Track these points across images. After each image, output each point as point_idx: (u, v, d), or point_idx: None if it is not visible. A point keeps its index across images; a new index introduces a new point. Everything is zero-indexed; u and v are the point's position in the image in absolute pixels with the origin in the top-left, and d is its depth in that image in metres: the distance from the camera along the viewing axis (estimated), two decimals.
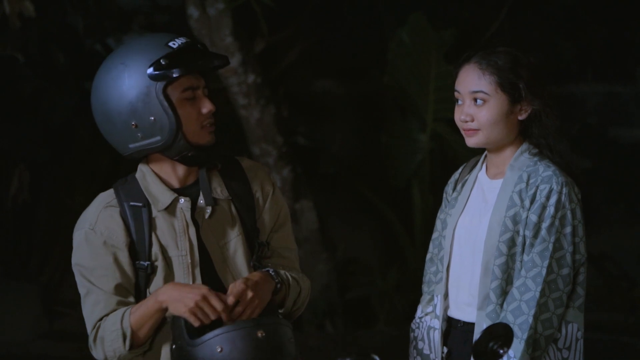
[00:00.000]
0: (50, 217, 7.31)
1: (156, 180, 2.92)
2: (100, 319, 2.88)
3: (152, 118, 2.84)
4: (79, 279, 2.92)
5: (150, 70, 2.82)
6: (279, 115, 6.76)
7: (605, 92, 8.15)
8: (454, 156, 6.85)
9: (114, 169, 7.18)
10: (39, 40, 6.82)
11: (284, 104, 7.06)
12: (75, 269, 2.92)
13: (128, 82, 2.84)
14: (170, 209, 2.91)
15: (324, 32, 7.49)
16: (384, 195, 7.33)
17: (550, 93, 3.08)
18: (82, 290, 2.92)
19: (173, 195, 2.91)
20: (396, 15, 7.05)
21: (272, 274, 2.90)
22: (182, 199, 2.91)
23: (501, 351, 2.69)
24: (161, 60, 2.82)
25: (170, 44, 2.85)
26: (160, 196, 2.91)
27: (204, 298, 2.75)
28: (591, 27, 7.78)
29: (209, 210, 2.92)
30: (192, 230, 2.90)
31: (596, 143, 7.94)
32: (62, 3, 6.93)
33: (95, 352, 2.90)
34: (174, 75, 2.82)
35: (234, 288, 2.79)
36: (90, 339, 2.90)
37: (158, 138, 2.86)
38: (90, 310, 2.90)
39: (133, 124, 2.85)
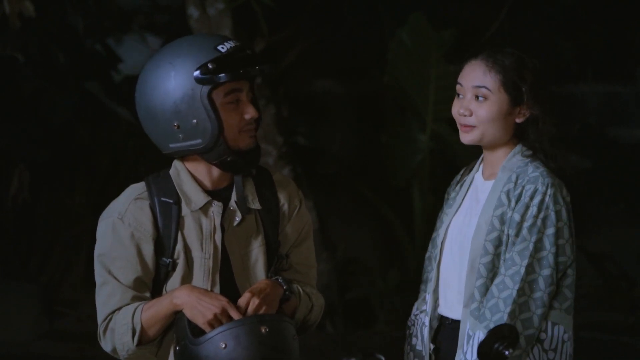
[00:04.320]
0: (50, 217, 7.31)
1: (190, 180, 2.92)
2: (113, 312, 2.87)
3: (195, 121, 2.83)
4: (97, 268, 2.91)
5: (197, 73, 2.81)
6: (279, 115, 6.76)
7: (605, 92, 8.15)
8: (453, 156, 6.85)
9: (114, 169, 7.18)
10: (39, 40, 6.82)
11: (284, 104, 7.06)
12: (96, 259, 2.91)
13: (174, 83, 2.82)
14: (202, 211, 2.90)
15: (324, 32, 7.48)
16: (384, 195, 7.33)
17: (550, 99, 3.09)
18: (98, 279, 2.91)
19: (207, 198, 2.90)
20: (396, 15, 7.04)
21: (281, 281, 2.90)
22: (215, 203, 2.90)
23: (507, 352, 2.69)
24: (209, 64, 2.81)
25: (219, 47, 2.83)
26: (193, 196, 2.90)
27: (223, 311, 2.76)
28: (591, 27, 7.78)
29: (238, 218, 2.91)
30: (218, 235, 2.89)
31: (596, 143, 7.94)
32: (62, 3, 6.93)
33: (104, 342, 2.90)
34: (221, 81, 2.81)
35: (241, 301, 2.80)
36: (100, 329, 2.89)
37: (199, 141, 2.85)
38: (104, 301, 2.89)
39: (175, 125, 2.85)
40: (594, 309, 7.20)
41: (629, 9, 7.69)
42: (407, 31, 6.85)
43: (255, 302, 2.79)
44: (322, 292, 3.10)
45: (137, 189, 2.93)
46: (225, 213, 2.92)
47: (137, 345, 2.84)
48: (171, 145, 2.89)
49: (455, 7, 7.40)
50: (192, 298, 2.78)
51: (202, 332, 2.77)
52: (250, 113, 2.87)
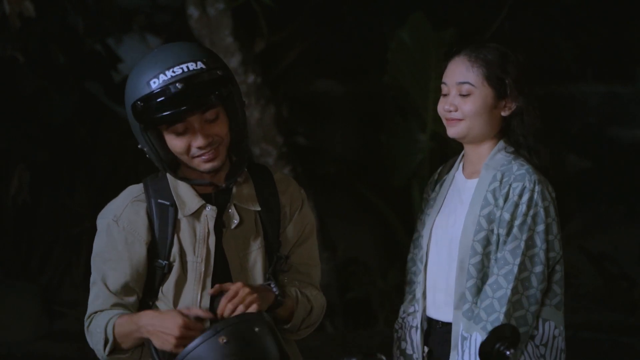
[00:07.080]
0: (50, 217, 7.31)
1: (186, 183, 2.90)
2: (96, 312, 2.89)
3: (145, 148, 2.85)
4: (92, 267, 2.93)
5: (131, 108, 2.80)
6: (279, 115, 6.76)
7: (605, 92, 8.15)
8: (453, 156, 6.83)
9: (113, 169, 7.18)
10: (39, 40, 6.82)
11: (284, 104, 7.06)
12: (92, 258, 2.93)
13: (128, 110, 2.85)
14: (196, 215, 2.88)
15: (324, 32, 7.48)
16: (384, 195, 7.33)
17: (535, 93, 3.09)
18: (91, 278, 2.93)
19: (200, 202, 2.88)
20: (396, 15, 7.04)
21: (273, 287, 2.87)
22: (209, 207, 2.88)
23: (508, 352, 2.69)
24: (138, 102, 2.77)
25: (152, 81, 2.74)
26: (188, 200, 2.88)
27: (182, 331, 2.71)
28: (591, 27, 7.78)
29: (235, 221, 2.89)
30: (212, 239, 2.87)
31: (596, 143, 7.94)
32: (62, 3, 6.92)
33: (89, 339, 2.92)
34: (149, 121, 2.77)
35: (228, 289, 2.78)
36: (85, 325, 2.92)
37: (157, 164, 2.88)
38: (91, 301, 2.92)
39: (140, 146, 2.88)
40: (594, 309, 7.21)
41: (629, 9, 7.69)
42: (407, 31, 6.85)
43: (245, 290, 2.76)
44: (322, 292, 3.08)
45: (135, 190, 2.93)
46: (223, 215, 2.90)
47: (109, 355, 2.84)
48: None
49: (455, 7, 7.40)
50: (155, 327, 2.74)
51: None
52: (197, 142, 2.79)
